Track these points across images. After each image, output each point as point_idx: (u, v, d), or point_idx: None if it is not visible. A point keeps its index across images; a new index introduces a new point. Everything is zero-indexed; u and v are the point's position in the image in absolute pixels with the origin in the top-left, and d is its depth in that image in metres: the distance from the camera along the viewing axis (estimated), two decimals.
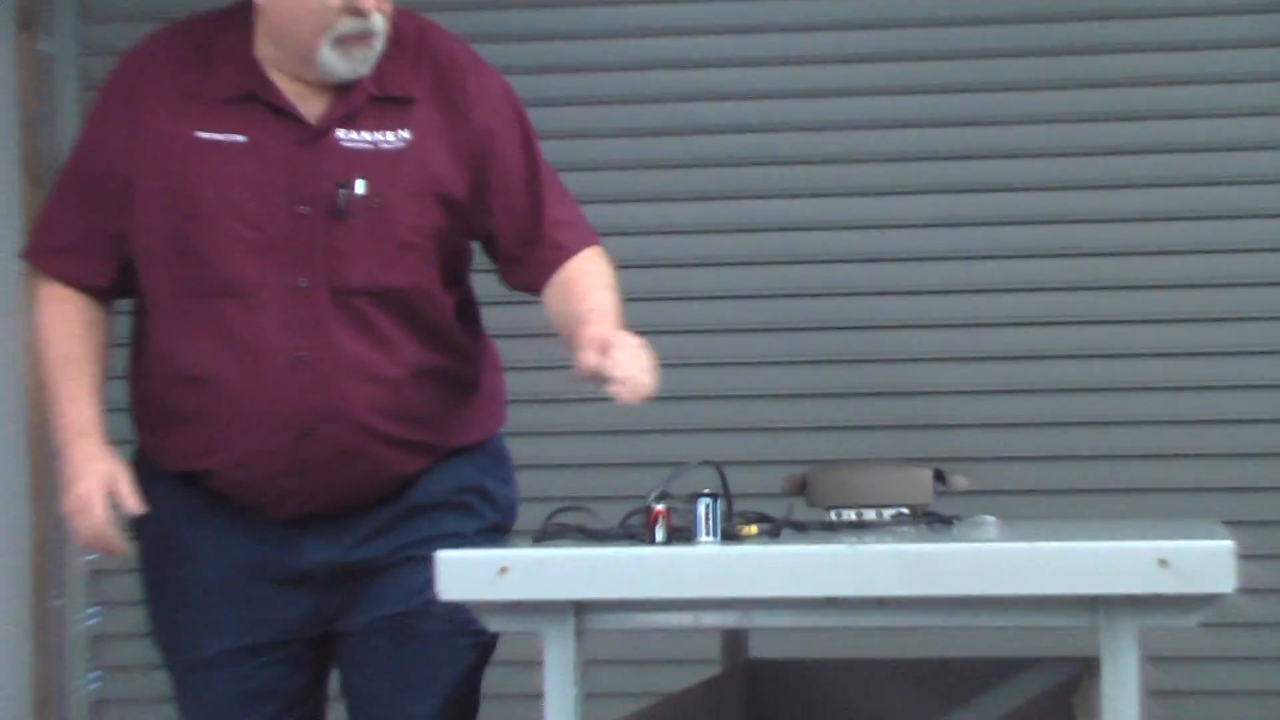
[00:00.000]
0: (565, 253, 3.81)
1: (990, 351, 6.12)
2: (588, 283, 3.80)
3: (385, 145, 3.70)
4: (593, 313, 3.67)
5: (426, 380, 3.86)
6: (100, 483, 3.62)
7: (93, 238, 3.76)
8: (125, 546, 3.75)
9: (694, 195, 6.30)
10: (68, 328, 3.78)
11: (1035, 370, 6.13)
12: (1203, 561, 3.14)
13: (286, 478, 3.75)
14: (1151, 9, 6.14)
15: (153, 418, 3.86)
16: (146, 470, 3.81)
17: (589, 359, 3.46)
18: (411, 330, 3.79)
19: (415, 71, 3.75)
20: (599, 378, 3.47)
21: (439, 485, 3.94)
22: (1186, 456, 5.95)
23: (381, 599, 3.90)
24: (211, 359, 3.66)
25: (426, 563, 3.51)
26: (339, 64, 3.58)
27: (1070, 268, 6.12)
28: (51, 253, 3.82)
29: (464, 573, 3.31)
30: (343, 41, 3.55)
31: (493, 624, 3.42)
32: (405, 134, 3.72)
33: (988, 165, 6.21)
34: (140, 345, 3.82)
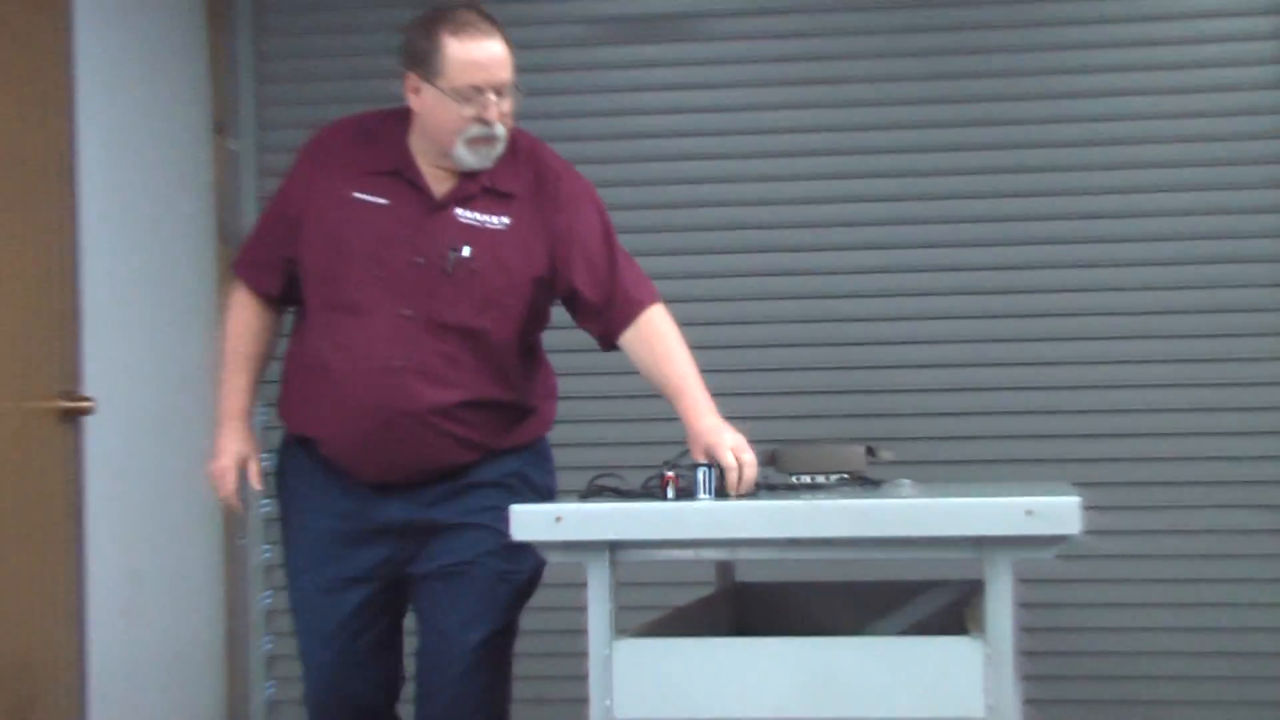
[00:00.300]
0: (639, 306, 4.12)
1: (907, 361, 6.48)
2: (670, 343, 4.14)
3: (489, 225, 4.01)
4: (685, 380, 4.07)
5: (484, 404, 4.12)
6: (234, 461, 4.09)
7: (272, 259, 4.16)
8: (242, 508, 4.38)
9: (695, 242, 6.55)
10: (246, 332, 4.21)
11: (940, 376, 6.48)
12: (1057, 511, 3.50)
13: (369, 452, 4.05)
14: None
15: (289, 392, 4.23)
16: (289, 442, 4.27)
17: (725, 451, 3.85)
18: (482, 363, 4.07)
19: (521, 174, 4.05)
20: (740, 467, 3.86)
21: (489, 471, 4.18)
22: (1048, 438, 6.35)
23: (443, 552, 4.16)
24: (330, 356, 4.02)
25: (477, 527, 4.12)
26: (468, 158, 3.93)
27: (973, 303, 6.45)
28: (245, 265, 4.25)
29: (530, 521, 3.65)
30: (472, 142, 3.90)
31: (551, 558, 3.76)
32: (505, 219, 4.01)
33: (919, 207, 6.45)
34: (294, 339, 4.22)
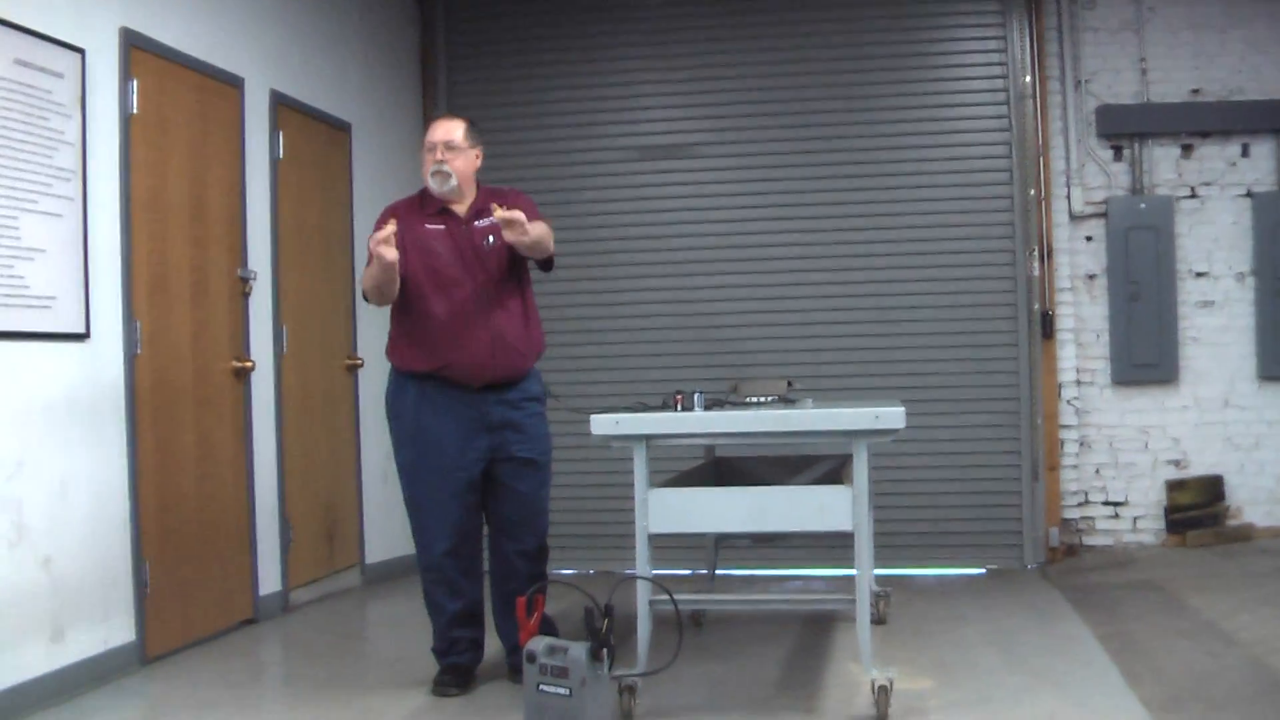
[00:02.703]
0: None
1: (816, 334, 8.99)
2: (538, 225, 5.53)
3: (491, 224, 5.58)
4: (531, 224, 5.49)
5: (519, 322, 5.57)
6: (383, 234, 5.32)
7: None
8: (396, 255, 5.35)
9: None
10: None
11: (830, 342, 8.94)
12: (892, 416, 5.04)
13: (482, 362, 5.49)
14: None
15: (405, 347, 5.65)
16: (400, 379, 5.68)
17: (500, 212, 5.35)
18: (513, 299, 5.60)
19: (497, 199, 5.61)
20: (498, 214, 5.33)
21: (534, 390, 5.74)
22: (888, 375, 8.74)
23: (519, 443, 5.64)
24: (440, 313, 5.53)
25: (539, 421, 5.67)
26: (437, 187, 5.62)
27: (851, 306, 8.94)
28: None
29: (602, 423, 5.20)
30: (435, 175, 5.58)
31: (613, 444, 5.31)
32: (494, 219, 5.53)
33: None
34: (401, 310, 5.62)
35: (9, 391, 5.50)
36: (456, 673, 5.71)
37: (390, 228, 5.36)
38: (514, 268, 5.68)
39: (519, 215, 5.33)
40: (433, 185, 5.64)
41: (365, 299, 5.73)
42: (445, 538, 5.62)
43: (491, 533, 5.80)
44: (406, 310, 5.64)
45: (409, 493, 5.71)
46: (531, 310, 5.78)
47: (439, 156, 5.62)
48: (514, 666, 5.66)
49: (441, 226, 5.67)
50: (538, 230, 5.50)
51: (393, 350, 5.75)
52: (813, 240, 9.00)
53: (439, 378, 5.59)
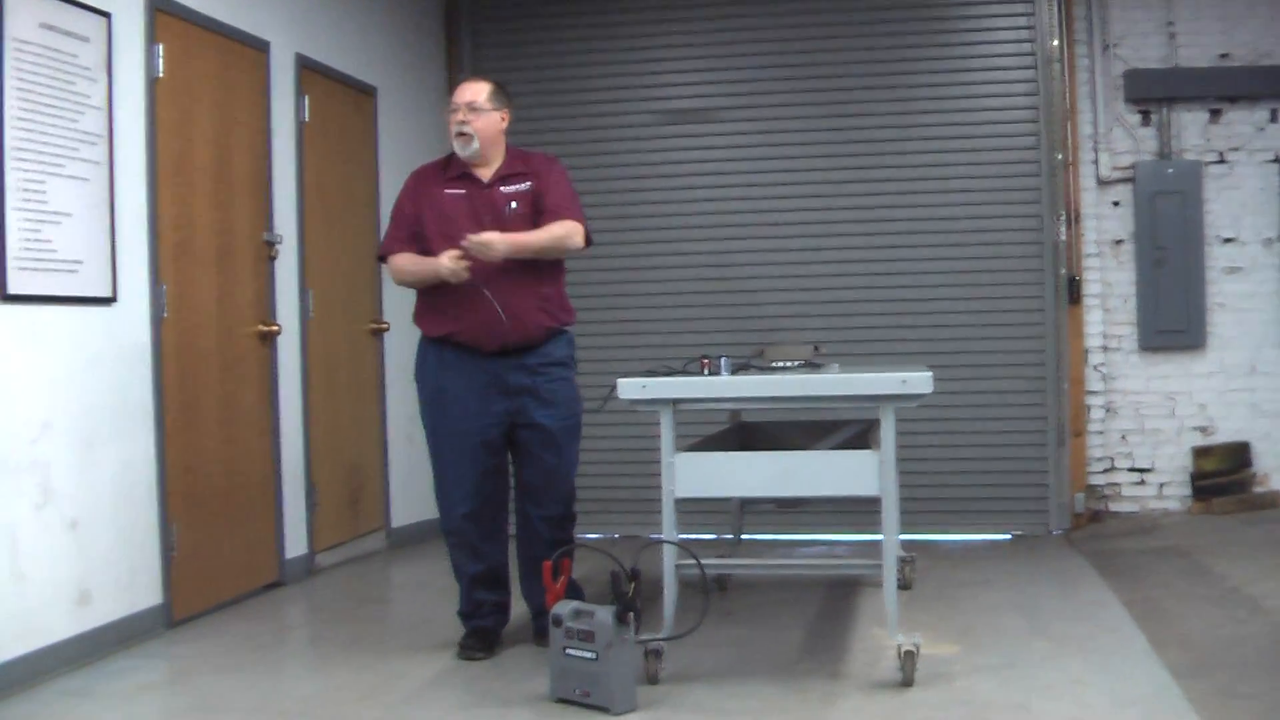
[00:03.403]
0: (560, 215, 5.61)
1: (841, 299, 8.94)
2: (550, 226, 5.58)
3: (518, 188, 5.68)
4: (529, 232, 5.52)
5: (540, 281, 5.56)
6: (447, 257, 5.41)
7: (407, 236, 5.67)
8: (465, 272, 5.40)
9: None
10: (409, 256, 5.64)
11: (857, 307, 8.88)
12: (919, 381, 4.97)
13: (499, 326, 5.47)
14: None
15: (425, 311, 5.71)
16: (424, 344, 5.72)
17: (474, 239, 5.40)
18: (531, 264, 5.57)
19: (526, 164, 5.73)
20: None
21: (558, 354, 5.71)
22: (915, 341, 8.72)
23: (538, 409, 5.64)
24: (464, 280, 5.52)
25: (561, 387, 5.66)
26: (463, 150, 5.64)
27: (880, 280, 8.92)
28: (395, 246, 5.68)
29: (629, 387, 5.19)
30: (459, 138, 5.60)
31: (640, 408, 5.24)
32: (523, 185, 5.65)
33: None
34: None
35: (36, 355, 5.52)
36: (481, 636, 5.73)
37: (464, 263, 5.41)
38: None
39: (488, 238, 5.40)
40: (456, 148, 5.66)
41: (393, 277, 5.82)
42: (464, 501, 5.65)
43: (518, 497, 5.82)
44: None
45: (433, 456, 5.73)
46: (557, 276, 5.76)
47: (460, 118, 5.62)
48: (539, 630, 5.67)
49: (461, 191, 5.69)
50: (539, 239, 5.55)
51: (417, 315, 5.81)
52: (839, 205, 8.99)
53: (454, 342, 5.61)
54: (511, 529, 5.88)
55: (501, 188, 5.68)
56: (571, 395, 5.80)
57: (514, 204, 5.64)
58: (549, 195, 5.67)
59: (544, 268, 5.67)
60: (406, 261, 5.69)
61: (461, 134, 5.64)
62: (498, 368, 5.60)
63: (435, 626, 6.12)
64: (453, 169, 5.73)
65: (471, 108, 5.64)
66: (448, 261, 5.42)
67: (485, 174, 5.70)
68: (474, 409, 5.62)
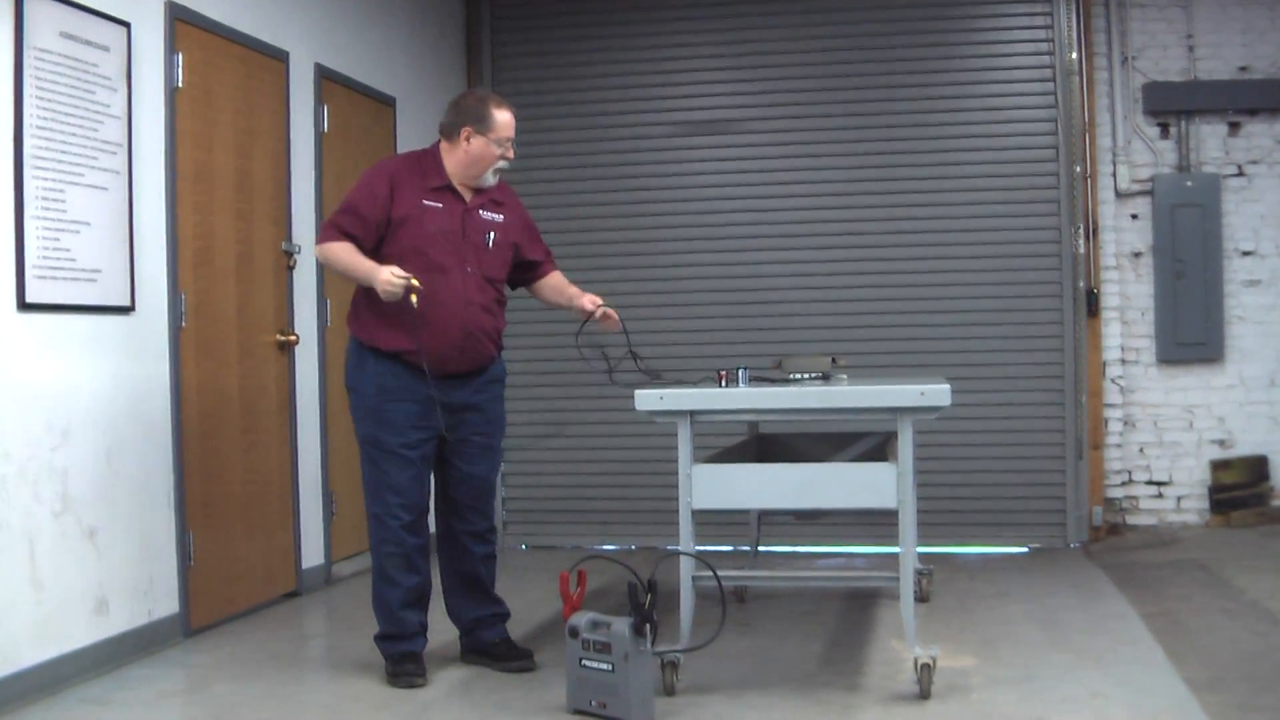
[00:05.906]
0: (553, 265, 5.80)
1: (859, 311, 8.91)
2: (564, 280, 5.79)
3: (495, 219, 5.58)
4: (571, 288, 5.71)
5: (497, 316, 5.53)
6: (391, 272, 5.18)
7: (367, 222, 5.34)
8: (412, 286, 5.14)
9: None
10: (352, 249, 5.36)
11: (874, 320, 8.84)
12: (937, 393, 5.00)
13: (453, 353, 5.40)
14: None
15: (371, 320, 5.41)
16: (361, 352, 5.45)
17: (590, 303, 5.51)
18: (497, 295, 5.57)
19: (502, 195, 5.63)
20: (600, 308, 5.51)
21: (497, 372, 5.69)
22: (933, 353, 8.69)
23: (476, 423, 5.61)
24: (428, 300, 5.27)
25: (499, 405, 5.63)
26: (490, 179, 5.55)
27: (900, 292, 8.91)
28: (347, 225, 5.33)
29: (646, 399, 5.16)
30: (496, 171, 5.51)
31: (657, 419, 5.24)
32: (499, 216, 5.57)
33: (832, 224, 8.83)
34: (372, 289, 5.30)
35: (55, 363, 5.52)
36: (415, 660, 5.56)
37: (415, 284, 5.23)
38: (510, 269, 5.70)
39: (615, 317, 5.62)
40: (486, 177, 5.50)
41: (317, 260, 5.95)
42: (405, 511, 5.48)
43: (440, 514, 5.72)
44: None
45: (369, 465, 5.52)
46: (503, 308, 5.71)
47: (509, 154, 5.51)
48: (469, 648, 5.72)
49: (439, 205, 5.48)
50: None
51: (356, 320, 5.59)
52: (857, 216, 8.97)
53: (402, 360, 5.43)
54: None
55: (481, 213, 5.54)
56: (504, 413, 5.83)
57: (492, 234, 5.54)
58: (539, 244, 5.78)
59: (501, 303, 5.65)
60: (345, 253, 5.38)
61: (502, 169, 5.52)
62: (443, 385, 5.44)
63: (452, 636, 6.05)
64: (432, 177, 5.50)
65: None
66: (391, 277, 5.18)
67: (467, 194, 5.53)
68: (416, 421, 5.46)
